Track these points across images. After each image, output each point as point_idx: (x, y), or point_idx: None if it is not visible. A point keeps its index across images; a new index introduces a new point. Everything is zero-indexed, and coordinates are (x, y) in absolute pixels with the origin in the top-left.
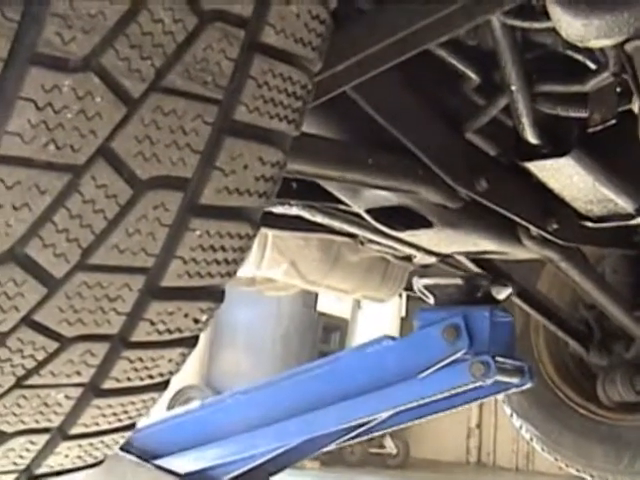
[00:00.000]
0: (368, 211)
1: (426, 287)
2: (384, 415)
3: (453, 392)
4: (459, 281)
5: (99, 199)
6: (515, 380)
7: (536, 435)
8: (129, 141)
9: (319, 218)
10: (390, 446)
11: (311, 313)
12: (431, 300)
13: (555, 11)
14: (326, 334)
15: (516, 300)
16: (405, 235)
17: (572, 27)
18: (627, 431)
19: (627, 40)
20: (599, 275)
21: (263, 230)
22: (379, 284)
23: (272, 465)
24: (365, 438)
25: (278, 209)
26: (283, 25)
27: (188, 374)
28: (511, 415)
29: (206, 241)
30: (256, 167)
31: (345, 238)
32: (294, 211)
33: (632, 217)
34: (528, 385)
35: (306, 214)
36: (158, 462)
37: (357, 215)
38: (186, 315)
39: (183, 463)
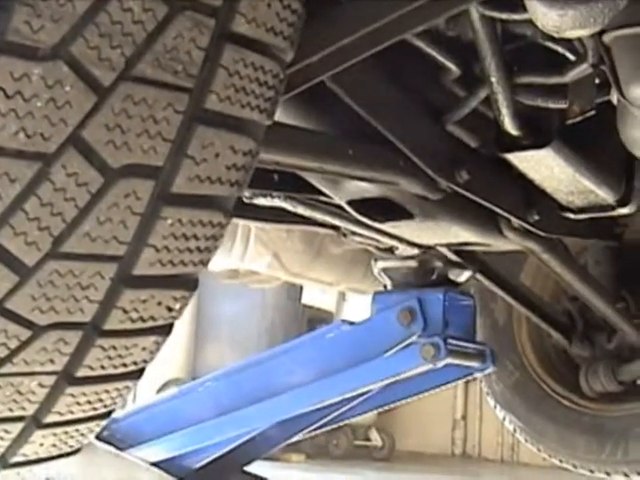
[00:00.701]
0: (349, 202)
1: (383, 270)
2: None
3: (407, 375)
4: (413, 263)
5: (70, 187)
6: (474, 364)
7: (519, 426)
8: (100, 130)
9: (301, 210)
10: (376, 439)
11: (296, 306)
12: (388, 283)
13: (531, 2)
14: (311, 327)
15: (499, 292)
16: (387, 227)
17: (548, 18)
18: (609, 421)
19: (604, 31)
20: (581, 267)
21: (246, 222)
22: (363, 276)
23: (243, 455)
24: (329, 428)
25: (260, 201)
26: (254, 14)
27: (173, 368)
28: (495, 406)
29: (178, 229)
30: (227, 156)
31: (328, 230)
32: (276, 203)
33: (613, 208)
34: (490, 369)
35: (288, 206)
36: (133, 451)
37: (339, 207)
38: (159, 303)
39: (155, 451)
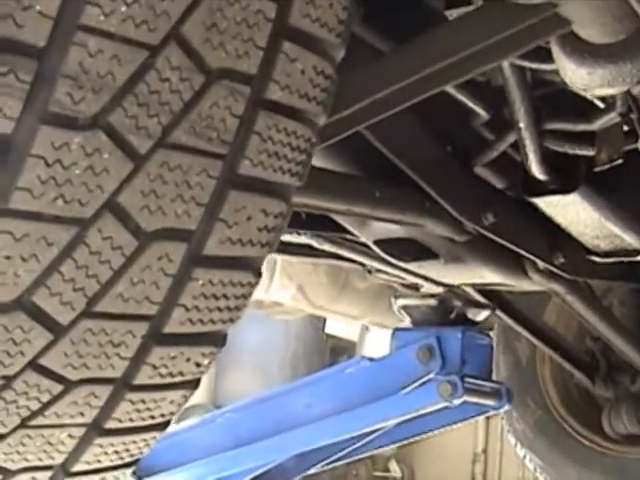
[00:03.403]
0: (376, 242)
1: (403, 307)
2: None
3: (423, 412)
4: (433, 302)
5: (105, 250)
6: (490, 402)
7: (540, 466)
8: (135, 195)
9: (327, 247)
10: (395, 470)
11: (319, 335)
12: (407, 320)
13: (560, 58)
14: (334, 356)
15: (522, 331)
16: (412, 266)
17: (576, 75)
18: (631, 463)
19: None
20: (605, 308)
21: (272, 255)
22: (387, 310)
23: None
24: (349, 460)
25: (287, 237)
26: (288, 81)
27: (195, 393)
28: (515, 445)
29: (209, 290)
30: (259, 218)
31: (354, 265)
32: (302, 240)
33: (639, 253)
34: (505, 408)
35: (314, 243)
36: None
37: (365, 245)
38: (188, 359)
39: None
